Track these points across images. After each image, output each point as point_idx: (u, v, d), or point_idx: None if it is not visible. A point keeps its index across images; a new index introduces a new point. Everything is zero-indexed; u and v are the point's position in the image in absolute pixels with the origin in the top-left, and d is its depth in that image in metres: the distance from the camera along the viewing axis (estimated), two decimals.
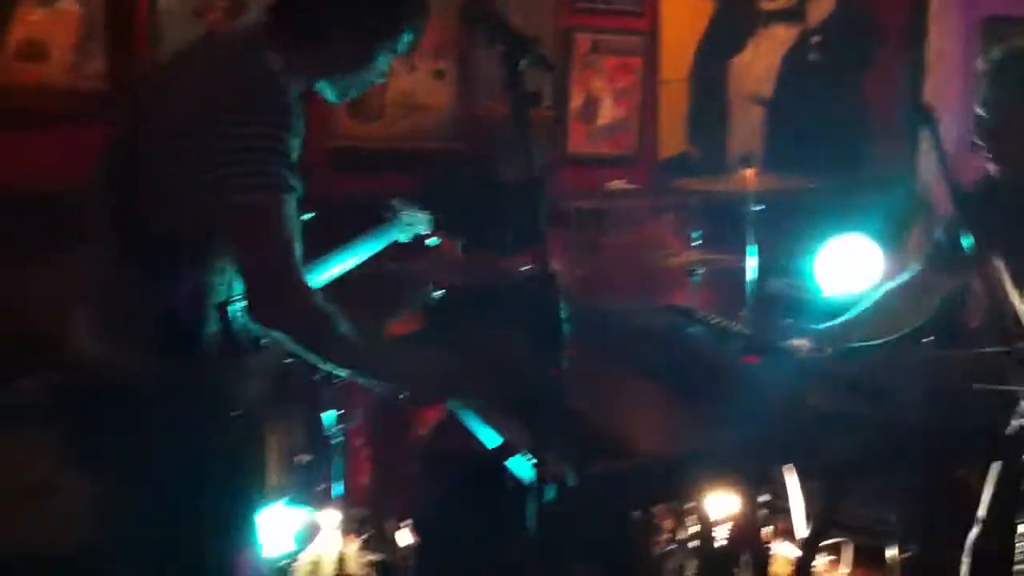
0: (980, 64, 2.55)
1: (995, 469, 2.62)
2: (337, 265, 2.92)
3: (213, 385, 2.00)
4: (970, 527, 2.68)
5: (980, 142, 2.53)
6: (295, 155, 1.91)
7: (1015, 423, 2.45)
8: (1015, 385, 2.25)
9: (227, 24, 4.13)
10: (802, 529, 3.04)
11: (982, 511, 2.66)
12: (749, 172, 3.84)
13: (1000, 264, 2.59)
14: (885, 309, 2.78)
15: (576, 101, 4.81)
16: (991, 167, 2.55)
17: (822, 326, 2.77)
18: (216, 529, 2.02)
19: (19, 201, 3.90)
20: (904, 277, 2.82)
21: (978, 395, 2.29)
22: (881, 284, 2.91)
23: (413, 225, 3.16)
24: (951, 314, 3.44)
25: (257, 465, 2.13)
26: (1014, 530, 2.57)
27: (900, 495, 3.21)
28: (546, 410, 1.77)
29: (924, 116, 2.39)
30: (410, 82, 4.35)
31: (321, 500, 3.35)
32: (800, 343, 2.61)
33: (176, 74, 2.04)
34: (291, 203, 1.88)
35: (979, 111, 2.52)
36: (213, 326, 1.97)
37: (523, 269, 3.19)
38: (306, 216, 2.02)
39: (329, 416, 3.19)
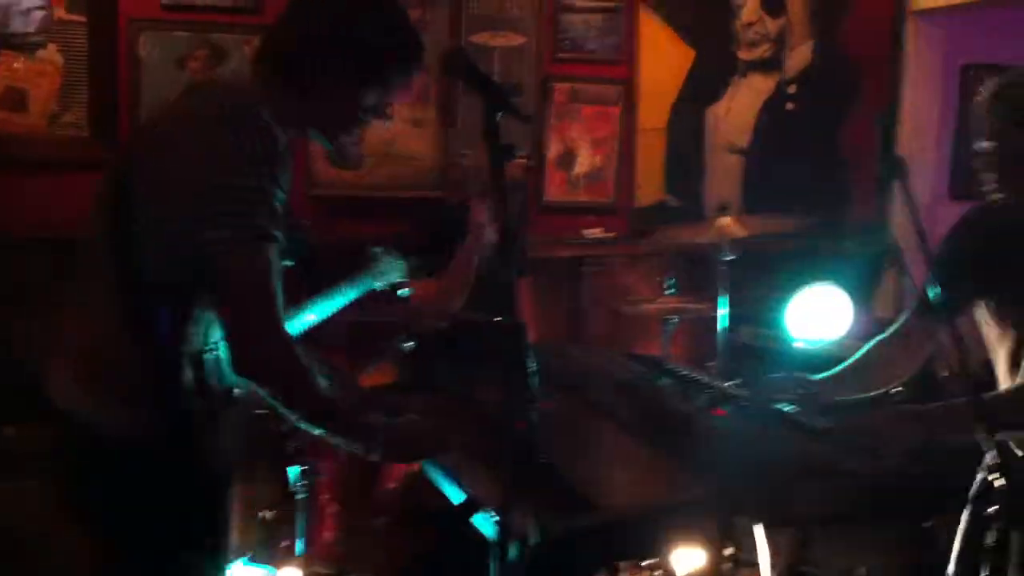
0: (979, 96, 2.57)
1: (963, 522, 2.62)
2: (315, 313, 2.91)
3: (184, 436, 2.00)
4: None
5: (984, 171, 2.55)
6: (280, 205, 1.92)
7: (980, 474, 2.47)
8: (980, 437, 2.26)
9: (208, 73, 4.18)
10: None
11: (951, 567, 2.66)
12: (723, 221, 3.88)
13: (980, 312, 2.61)
14: (874, 362, 2.79)
15: (554, 150, 4.86)
16: (995, 195, 2.56)
17: (807, 376, 2.77)
18: None
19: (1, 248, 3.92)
20: (893, 328, 2.83)
21: (947, 445, 2.30)
22: (868, 337, 2.89)
23: (388, 273, 3.16)
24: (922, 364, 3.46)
25: (223, 520, 2.13)
26: None
27: (869, 546, 3.20)
28: (513, 464, 1.77)
29: (896, 166, 2.41)
30: (389, 131, 4.39)
31: (283, 557, 3.28)
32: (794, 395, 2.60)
33: (166, 123, 2.04)
34: (274, 254, 1.89)
35: (981, 143, 2.54)
36: (188, 376, 1.98)
37: (494, 320, 3.20)
38: (286, 264, 2.03)
39: (294, 470, 3.15)
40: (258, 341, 1.88)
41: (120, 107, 4.15)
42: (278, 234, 1.89)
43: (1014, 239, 2.55)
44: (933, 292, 2.33)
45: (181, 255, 1.90)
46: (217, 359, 2.00)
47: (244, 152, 1.87)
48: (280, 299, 1.90)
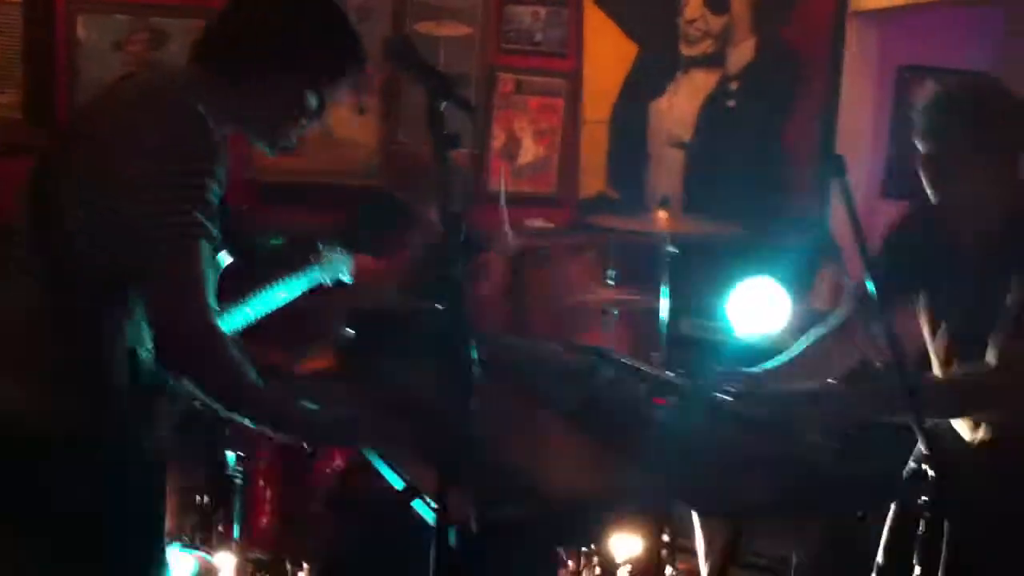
0: (919, 100, 2.60)
1: (892, 513, 2.66)
2: (257, 308, 2.90)
3: (118, 432, 1.97)
4: (868, 567, 2.72)
5: (922, 172, 2.58)
6: (216, 199, 1.90)
7: (911, 465, 2.51)
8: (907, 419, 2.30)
9: (148, 56, 4.12)
10: (704, 569, 3.07)
11: (880, 558, 2.69)
12: (664, 214, 3.92)
13: (918, 308, 2.65)
14: (811, 356, 2.81)
15: (498, 140, 4.86)
16: (930, 195, 2.60)
17: (751, 370, 2.79)
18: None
19: None
20: (830, 323, 2.85)
21: (877, 435, 2.34)
22: (809, 330, 2.91)
23: (336, 268, 3.15)
24: None
25: (158, 511, 2.10)
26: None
27: (804, 534, 3.26)
28: (453, 452, 1.77)
29: (834, 164, 2.44)
30: (331, 117, 4.36)
31: (218, 542, 3.26)
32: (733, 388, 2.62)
33: (102, 112, 2.01)
34: (206, 248, 1.87)
35: (918, 144, 2.57)
36: (123, 371, 1.94)
37: (437, 307, 3.21)
38: (227, 260, 2.01)
39: (231, 455, 3.14)
40: (186, 336, 1.86)
41: (57, 90, 4.08)
42: (213, 229, 1.88)
43: (948, 239, 2.59)
44: (870, 287, 2.36)
45: (114, 246, 1.87)
46: (152, 359, 1.97)
47: (180, 146, 1.86)
48: (210, 295, 1.88)
